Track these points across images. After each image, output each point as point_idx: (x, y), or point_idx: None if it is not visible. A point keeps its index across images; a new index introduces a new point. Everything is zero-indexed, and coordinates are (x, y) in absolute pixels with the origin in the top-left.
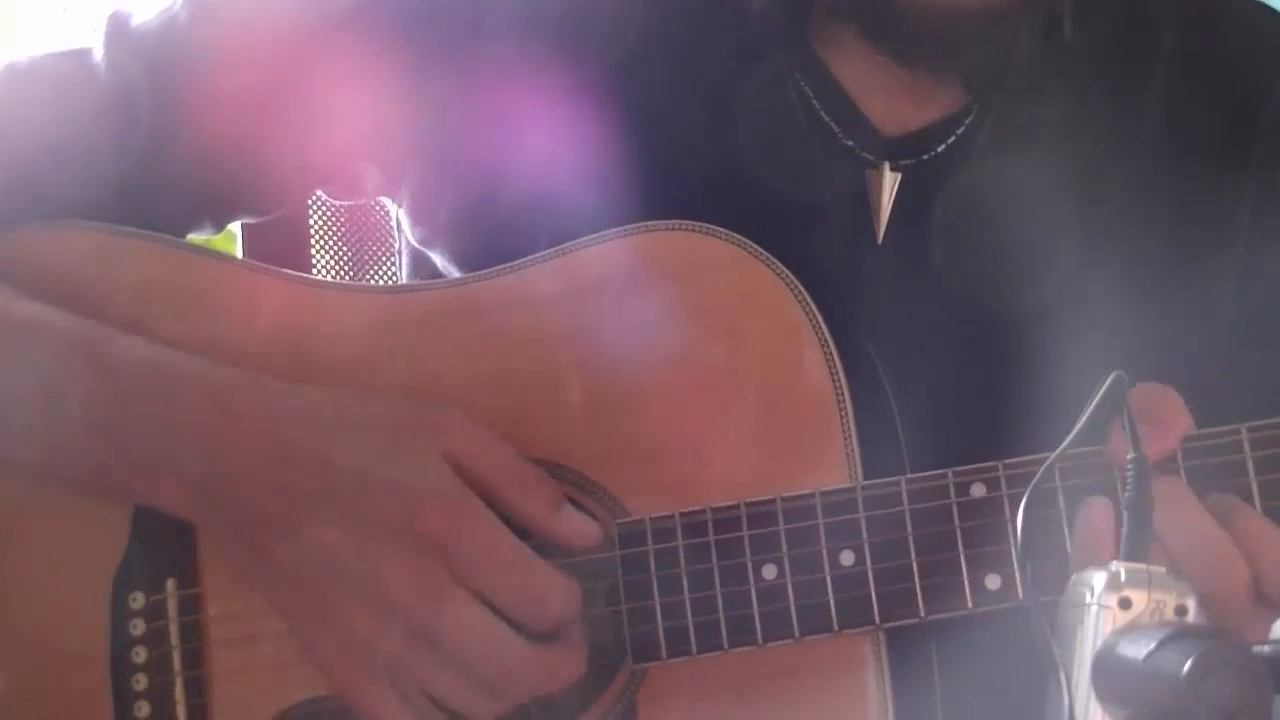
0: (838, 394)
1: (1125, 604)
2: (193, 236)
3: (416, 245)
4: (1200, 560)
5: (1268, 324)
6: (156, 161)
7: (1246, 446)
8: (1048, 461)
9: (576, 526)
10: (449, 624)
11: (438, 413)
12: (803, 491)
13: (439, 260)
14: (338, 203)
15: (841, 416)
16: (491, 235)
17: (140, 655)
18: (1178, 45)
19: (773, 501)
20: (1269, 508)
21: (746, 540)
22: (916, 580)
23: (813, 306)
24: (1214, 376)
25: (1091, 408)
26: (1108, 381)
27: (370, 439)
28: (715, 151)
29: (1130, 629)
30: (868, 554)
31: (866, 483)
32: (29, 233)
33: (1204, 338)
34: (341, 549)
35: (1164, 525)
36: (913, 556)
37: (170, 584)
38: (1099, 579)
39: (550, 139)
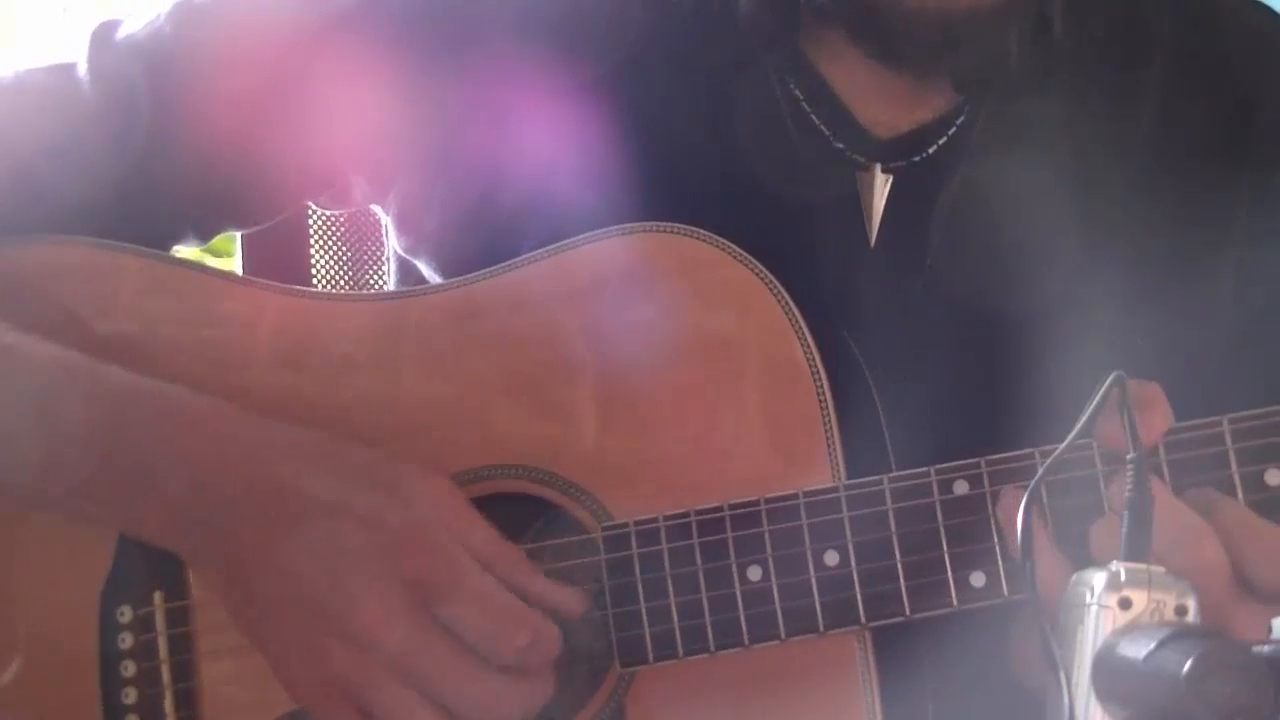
0: (820, 394)
1: (1125, 604)
2: (179, 248)
3: (402, 254)
4: (1181, 554)
5: (1267, 324)
6: (156, 161)
7: (1228, 438)
8: (1051, 458)
9: (562, 597)
10: (424, 660)
11: (418, 470)
12: (786, 492)
13: (425, 268)
14: (328, 212)
15: (824, 416)
16: (486, 237)
17: (129, 669)
18: (1173, 44)
19: (756, 503)
20: (1252, 501)
21: (731, 542)
22: (901, 579)
23: (793, 307)
24: (1213, 376)
25: (1092, 407)
26: (1108, 381)
27: (352, 474)
28: (711, 154)
29: (1130, 629)
30: (852, 554)
31: (849, 482)
32: (11, 248)
33: (1203, 338)
34: (318, 581)
35: None
36: (897, 555)
37: (158, 596)
38: (1099, 579)
39: (548, 140)
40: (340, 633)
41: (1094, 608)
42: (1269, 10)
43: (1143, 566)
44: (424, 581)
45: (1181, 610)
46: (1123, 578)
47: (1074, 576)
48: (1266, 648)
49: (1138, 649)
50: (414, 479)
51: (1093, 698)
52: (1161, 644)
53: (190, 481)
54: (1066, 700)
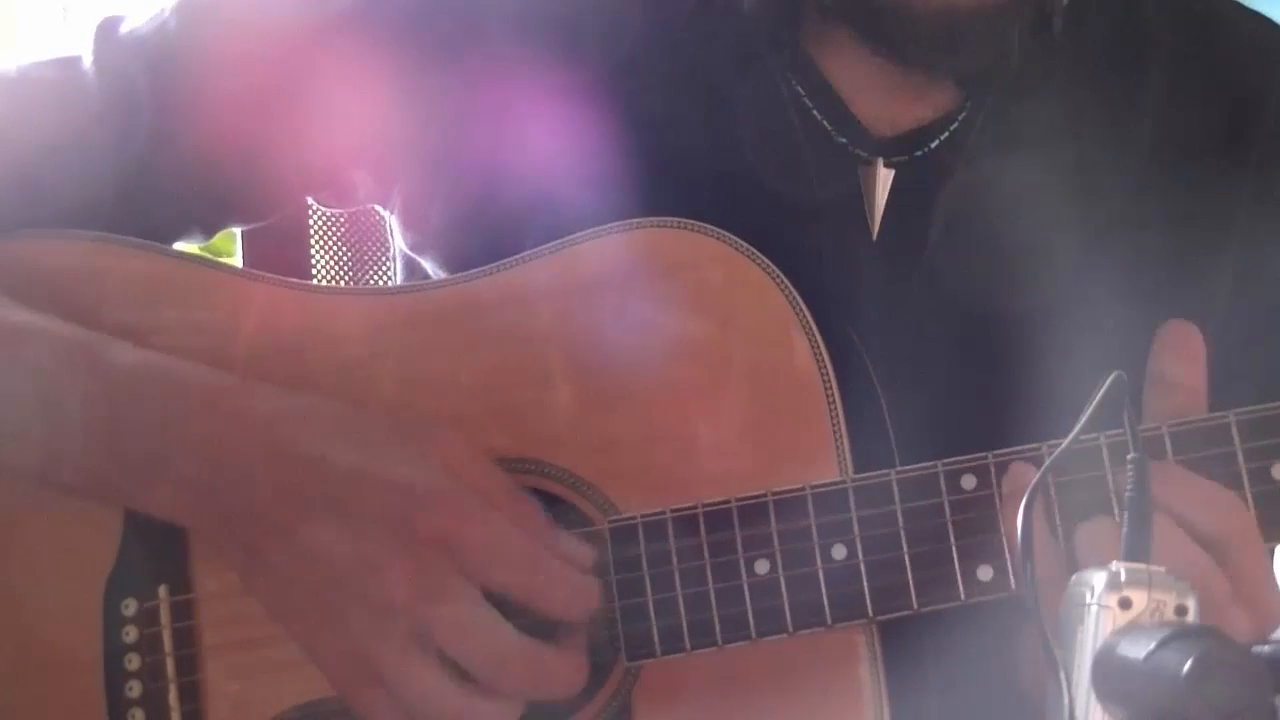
0: (826, 387)
1: (1125, 604)
2: (181, 245)
3: (408, 252)
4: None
5: (1267, 324)
6: (157, 160)
7: (1235, 433)
8: (1047, 463)
9: (572, 548)
10: (448, 622)
11: (434, 428)
12: (793, 486)
13: (430, 266)
14: (330, 210)
15: (830, 409)
16: (488, 236)
17: (133, 662)
18: (1173, 45)
19: (763, 496)
20: (1258, 493)
21: (738, 536)
22: (909, 573)
23: (799, 301)
24: (1213, 377)
25: (1092, 406)
26: (1108, 381)
27: (366, 440)
28: (712, 151)
29: (1130, 629)
30: (859, 547)
31: (857, 476)
32: (18, 242)
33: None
34: (338, 549)
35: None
36: (904, 549)
37: (163, 590)
38: (1099, 579)
39: (548, 139)
40: (362, 599)
41: (1094, 608)
42: (1265, 17)
43: (1143, 566)
44: (445, 540)
45: (1181, 610)
46: (1123, 578)
47: (1074, 576)
48: (1266, 648)
49: (1138, 649)
50: (431, 440)
51: (1093, 698)
52: (1161, 644)
53: (204, 456)
54: (1066, 700)
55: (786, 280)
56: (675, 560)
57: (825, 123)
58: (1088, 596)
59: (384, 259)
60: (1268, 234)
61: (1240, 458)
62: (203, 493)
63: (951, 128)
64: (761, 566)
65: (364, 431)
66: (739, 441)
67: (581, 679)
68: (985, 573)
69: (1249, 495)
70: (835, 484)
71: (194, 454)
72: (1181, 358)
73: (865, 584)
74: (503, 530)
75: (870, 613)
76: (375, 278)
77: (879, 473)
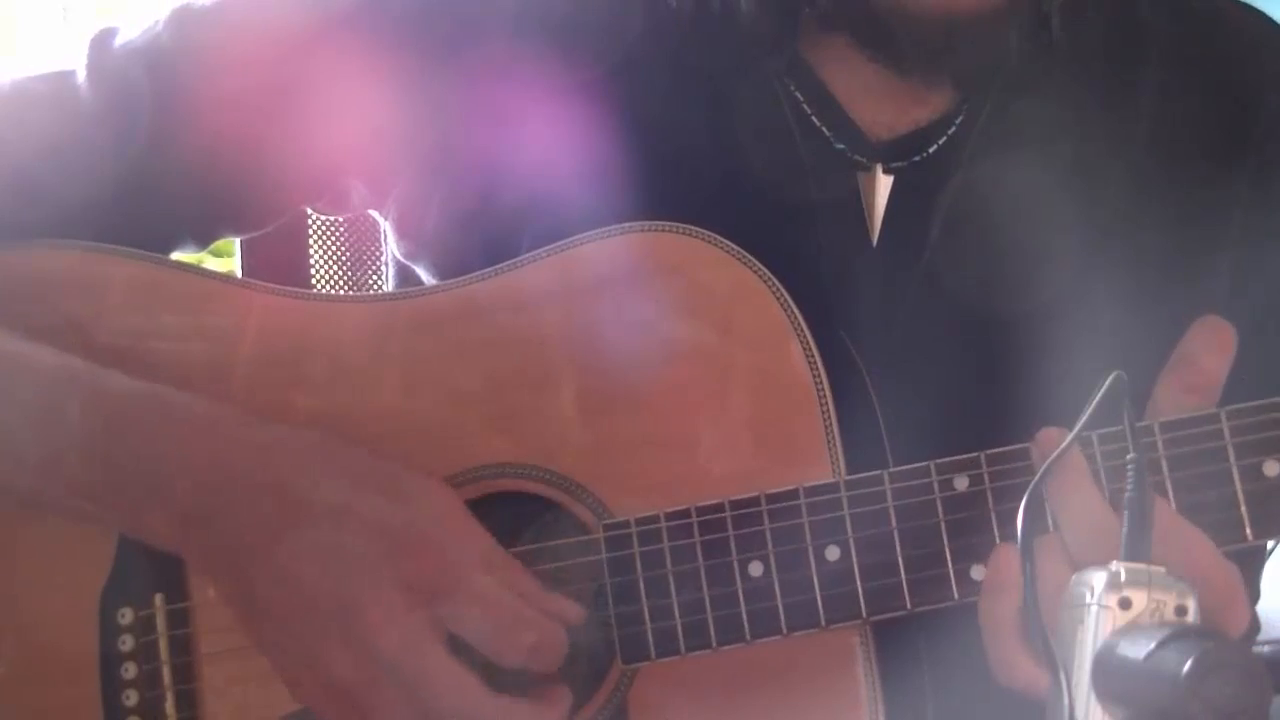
0: (819, 391)
1: (1125, 604)
2: (176, 255)
3: (401, 259)
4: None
5: (1266, 324)
6: (156, 161)
7: (1226, 431)
8: (1046, 463)
9: (560, 606)
10: (423, 667)
11: (427, 478)
12: (786, 488)
13: (424, 273)
14: (325, 216)
15: (824, 413)
16: (486, 237)
17: (130, 670)
18: (1171, 45)
19: (757, 499)
20: (1250, 492)
21: (732, 539)
22: (902, 573)
23: (793, 307)
24: None
25: (1092, 406)
26: (1107, 381)
27: (355, 477)
28: (711, 155)
29: (1130, 629)
30: (853, 549)
31: (849, 477)
32: (9, 251)
33: None
34: (319, 584)
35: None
36: (898, 550)
37: (158, 599)
38: (1099, 579)
39: (548, 140)
40: (341, 635)
41: (1094, 608)
42: (1264, 15)
43: (1143, 566)
44: (426, 583)
45: (1181, 610)
46: (1123, 578)
47: (1074, 576)
48: (1266, 648)
49: (1138, 649)
50: (416, 482)
51: (1093, 698)
52: (1161, 644)
53: (193, 485)
54: (1066, 700)
55: (781, 285)
56: (669, 563)
57: (824, 128)
58: (1088, 596)
59: (383, 262)
60: (1266, 234)
61: (1231, 454)
62: (191, 521)
63: (949, 131)
64: (755, 568)
65: (355, 471)
66: (733, 445)
67: None
68: (978, 572)
69: (1240, 492)
70: (828, 485)
71: (181, 484)
72: (1212, 345)
73: (859, 585)
74: (479, 584)
75: (864, 613)
76: (374, 280)
77: (871, 474)
